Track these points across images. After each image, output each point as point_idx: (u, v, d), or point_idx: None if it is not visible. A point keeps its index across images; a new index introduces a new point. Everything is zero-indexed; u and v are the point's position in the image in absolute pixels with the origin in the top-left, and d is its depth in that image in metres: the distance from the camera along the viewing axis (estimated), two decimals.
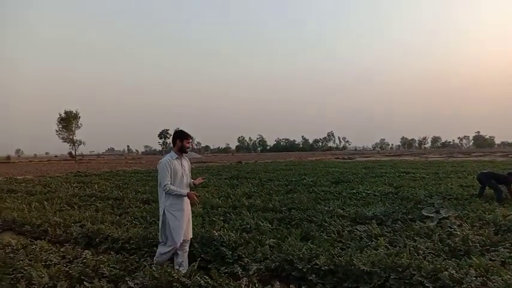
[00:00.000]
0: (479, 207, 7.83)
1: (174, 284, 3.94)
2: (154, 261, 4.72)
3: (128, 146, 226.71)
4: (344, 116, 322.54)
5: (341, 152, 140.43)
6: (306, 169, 23.48)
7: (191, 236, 4.99)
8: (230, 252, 5.06)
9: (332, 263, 4.36)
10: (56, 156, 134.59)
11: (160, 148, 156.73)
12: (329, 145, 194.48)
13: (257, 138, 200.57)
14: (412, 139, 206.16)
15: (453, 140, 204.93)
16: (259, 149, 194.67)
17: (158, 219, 4.87)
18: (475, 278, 3.68)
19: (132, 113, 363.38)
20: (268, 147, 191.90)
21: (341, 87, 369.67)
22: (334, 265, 4.33)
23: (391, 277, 3.93)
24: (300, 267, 4.41)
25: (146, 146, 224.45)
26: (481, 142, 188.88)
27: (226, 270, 4.58)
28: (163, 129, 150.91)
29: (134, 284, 4.07)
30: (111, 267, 4.65)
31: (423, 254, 4.74)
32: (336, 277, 4.21)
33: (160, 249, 4.76)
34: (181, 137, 4.76)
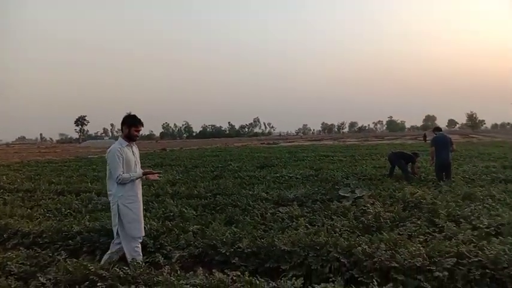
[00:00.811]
0: (390, 186, 8.46)
1: (91, 276, 3.73)
2: (130, 260, 4.23)
3: (40, 134, 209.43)
4: (269, 102, 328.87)
5: (266, 137, 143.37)
6: (232, 155, 23.64)
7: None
8: (152, 241, 4.93)
9: (255, 245, 4.44)
10: None
11: (78, 136, 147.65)
12: (255, 131, 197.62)
13: (183, 125, 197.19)
14: (332, 124, 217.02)
15: (368, 125, 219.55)
16: (185, 135, 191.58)
17: (111, 214, 4.41)
18: (384, 252, 3.96)
19: (45, 98, 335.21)
20: (194, 134, 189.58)
21: (267, 74, 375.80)
22: (257, 247, 4.41)
23: (310, 255, 4.09)
24: (223, 252, 4.43)
25: (61, 134, 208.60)
26: (393, 126, 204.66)
27: (147, 260, 4.45)
28: (80, 115, 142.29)
29: (46, 280, 3.79)
30: (21, 263, 4.28)
31: (339, 231, 5.01)
32: (259, 258, 4.29)
33: (127, 244, 4.31)
34: (128, 123, 4.33)
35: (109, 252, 4.43)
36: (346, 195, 7.60)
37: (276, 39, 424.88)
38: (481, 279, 3.55)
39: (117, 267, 3.83)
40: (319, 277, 3.85)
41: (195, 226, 5.53)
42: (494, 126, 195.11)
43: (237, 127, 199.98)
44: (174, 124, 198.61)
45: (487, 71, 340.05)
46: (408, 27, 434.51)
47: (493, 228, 4.92)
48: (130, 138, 4.37)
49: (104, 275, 3.72)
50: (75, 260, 4.20)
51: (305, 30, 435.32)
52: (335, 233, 4.82)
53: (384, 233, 4.68)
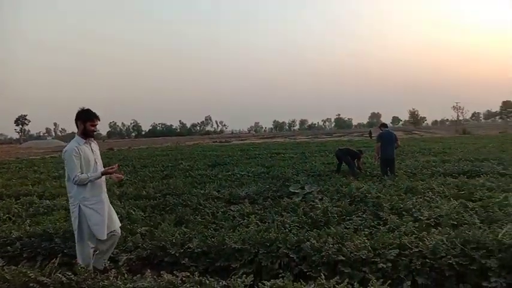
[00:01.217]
0: (338, 182, 8.72)
1: (31, 284, 3.53)
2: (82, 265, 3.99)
3: None
4: (221, 100, 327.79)
5: (218, 135, 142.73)
6: (183, 154, 23.30)
7: (119, 224, 4.40)
8: None
9: (205, 245, 4.40)
10: None
11: (18, 136, 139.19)
12: (207, 129, 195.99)
13: (131, 123, 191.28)
14: (283, 122, 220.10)
15: (318, 122, 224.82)
16: (133, 134, 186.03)
17: (71, 217, 4.11)
18: (332, 246, 4.06)
19: None
20: (143, 133, 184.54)
21: (218, 72, 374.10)
22: (207, 246, 4.37)
23: (260, 252, 4.11)
24: (172, 253, 4.34)
25: (0, 135, 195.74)
26: (341, 124, 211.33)
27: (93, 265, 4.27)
28: (20, 114, 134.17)
29: None
30: None
31: (289, 227, 5.08)
32: (209, 258, 4.26)
33: (81, 250, 4.05)
34: (83, 118, 4.00)
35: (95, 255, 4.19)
36: (296, 191, 7.74)
37: (226, 36, 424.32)
38: (421, 269, 3.75)
39: (59, 273, 3.66)
40: (269, 273, 3.88)
41: (143, 228, 5.38)
42: (435, 122, 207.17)
43: (188, 125, 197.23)
44: (122, 123, 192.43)
45: (427, 70, 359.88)
46: (352, 27, 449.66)
47: (432, 220, 5.22)
48: (86, 134, 4.07)
49: (45, 281, 3.52)
50: (13, 267, 3.94)
51: (256, 28, 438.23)
52: (285, 229, 4.88)
53: (332, 227, 4.81)
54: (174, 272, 3.53)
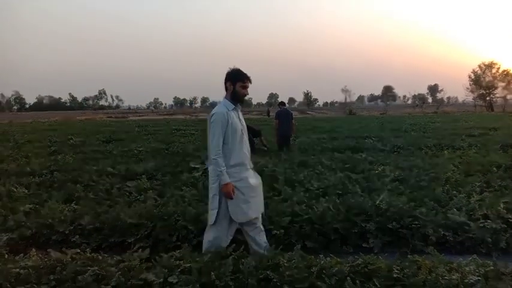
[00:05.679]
0: None
1: None
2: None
3: None
4: (116, 74, 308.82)
5: (114, 110, 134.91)
6: (73, 129, 21.74)
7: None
8: None
9: (98, 221, 4.21)
10: None
11: None
12: (101, 103, 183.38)
13: (12, 95, 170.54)
14: (184, 99, 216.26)
15: (220, 100, 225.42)
16: (15, 107, 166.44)
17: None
18: None
19: None
20: (27, 106, 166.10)
21: (114, 44, 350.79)
22: (101, 222, 4.20)
23: (158, 225, 4.08)
24: (61, 230, 4.08)
25: None
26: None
27: None
28: None
29: None
30: None
31: (188, 201, 5.08)
32: (102, 234, 4.09)
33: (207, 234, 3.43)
34: (231, 79, 3.43)
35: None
36: (196, 166, 7.73)
37: (126, 7, 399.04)
38: (310, 234, 4.07)
39: None
40: (167, 246, 3.86)
41: (27, 205, 4.93)
42: (326, 104, 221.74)
43: (79, 99, 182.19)
44: (1, 94, 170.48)
45: (319, 55, 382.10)
46: (252, 13, 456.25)
47: (321, 190, 5.64)
48: (236, 98, 3.50)
49: None
50: None
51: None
52: (184, 203, 4.87)
53: None
54: (63, 249, 3.32)
